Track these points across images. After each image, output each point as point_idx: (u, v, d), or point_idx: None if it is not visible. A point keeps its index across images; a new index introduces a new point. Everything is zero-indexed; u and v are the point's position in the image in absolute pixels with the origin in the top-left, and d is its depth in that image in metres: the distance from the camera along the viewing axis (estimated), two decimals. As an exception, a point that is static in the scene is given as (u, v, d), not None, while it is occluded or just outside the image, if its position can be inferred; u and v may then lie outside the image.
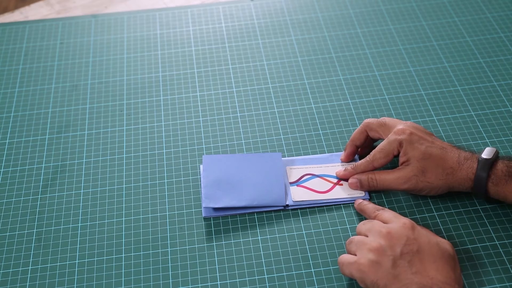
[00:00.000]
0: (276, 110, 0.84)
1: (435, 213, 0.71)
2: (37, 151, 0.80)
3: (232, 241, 0.69)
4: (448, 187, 0.69)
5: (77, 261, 0.68)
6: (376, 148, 0.72)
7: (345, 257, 0.61)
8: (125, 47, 0.95)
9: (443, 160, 0.68)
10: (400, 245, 0.58)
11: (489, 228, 0.69)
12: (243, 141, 0.80)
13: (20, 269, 0.67)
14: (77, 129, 0.83)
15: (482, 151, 0.68)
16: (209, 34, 0.97)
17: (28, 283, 0.66)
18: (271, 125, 0.82)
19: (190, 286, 0.65)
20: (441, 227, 0.69)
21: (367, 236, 0.62)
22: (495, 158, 0.67)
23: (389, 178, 0.70)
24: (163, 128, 0.82)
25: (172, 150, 0.79)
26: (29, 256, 0.69)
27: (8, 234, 0.71)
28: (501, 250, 0.67)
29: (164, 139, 0.81)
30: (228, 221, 0.71)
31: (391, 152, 0.70)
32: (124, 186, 0.75)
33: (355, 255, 0.61)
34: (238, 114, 0.84)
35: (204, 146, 0.80)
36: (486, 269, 0.65)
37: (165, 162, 0.78)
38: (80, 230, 0.71)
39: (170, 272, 0.66)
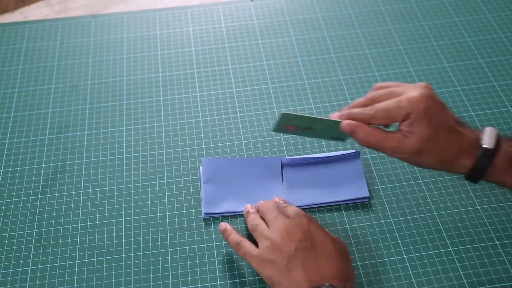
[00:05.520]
0: (276, 110, 0.84)
1: (435, 213, 0.71)
2: (37, 151, 0.80)
3: (232, 241, 0.69)
4: (440, 169, 0.63)
5: (77, 261, 0.68)
6: (380, 104, 0.63)
7: (249, 248, 0.63)
8: (125, 47, 0.95)
9: (446, 146, 0.61)
10: (296, 242, 0.60)
11: (489, 228, 0.69)
12: (243, 141, 0.80)
13: (20, 269, 0.67)
14: (77, 129, 0.83)
15: (483, 131, 0.62)
16: (209, 34, 0.97)
17: (28, 283, 0.66)
18: (271, 125, 0.82)
19: (190, 286, 0.65)
20: (441, 227, 0.69)
21: (267, 226, 0.64)
22: (497, 144, 0.61)
23: (387, 143, 0.63)
24: (163, 128, 0.82)
25: (172, 150, 0.79)
26: (29, 256, 0.69)
27: (8, 234, 0.71)
28: (501, 250, 0.67)
29: (164, 139, 0.81)
30: (228, 221, 0.71)
31: (394, 118, 0.62)
32: (124, 186, 0.75)
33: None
34: (238, 114, 0.84)
35: (204, 146, 0.80)
36: (486, 269, 0.65)
37: (165, 162, 0.78)
38: (80, 230, 0.71)
39: (170, 272, 0.66)
